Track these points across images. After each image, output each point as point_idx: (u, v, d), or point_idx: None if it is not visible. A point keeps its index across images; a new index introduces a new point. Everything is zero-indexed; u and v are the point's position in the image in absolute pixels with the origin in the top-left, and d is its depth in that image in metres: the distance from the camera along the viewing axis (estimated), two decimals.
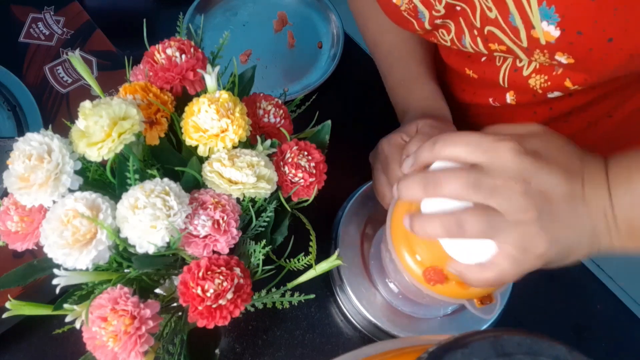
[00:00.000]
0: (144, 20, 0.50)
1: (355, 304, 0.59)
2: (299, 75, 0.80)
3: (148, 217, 0.38)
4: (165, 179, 0.41)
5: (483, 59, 0.59)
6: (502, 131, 0.41)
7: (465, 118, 0.71)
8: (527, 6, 0.43)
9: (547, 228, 0.37)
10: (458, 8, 0.51)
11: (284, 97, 0.55)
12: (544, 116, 0.62)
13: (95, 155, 0.40)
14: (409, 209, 0.47)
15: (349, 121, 0.76)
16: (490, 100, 0.63)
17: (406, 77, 0.63)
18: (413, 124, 0.56)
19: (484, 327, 0.60)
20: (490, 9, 0.47)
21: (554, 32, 0.42)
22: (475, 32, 0.51)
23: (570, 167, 0.38)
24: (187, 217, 0.41)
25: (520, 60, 0.53)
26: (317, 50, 0.83)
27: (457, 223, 0.38)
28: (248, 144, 0.47)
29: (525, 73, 0.54)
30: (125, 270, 0.44)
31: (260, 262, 0.45)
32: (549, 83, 0.52)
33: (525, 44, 0.46)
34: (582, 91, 0.54)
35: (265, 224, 0.46)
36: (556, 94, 0.53)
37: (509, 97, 0.60)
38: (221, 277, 0.40)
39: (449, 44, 0.56)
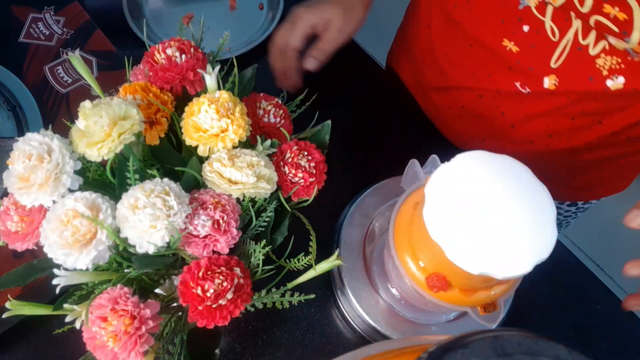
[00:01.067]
0: (144, 20, 0.50)
1: (356, 307, 0.59)
2: (241, 36, 0.82)
3: (148, 217, 0.38)
4: (165, 179, 0.41)
5: (526, 28, 0.56)
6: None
7: (469, 103, 0.69)
8: None
9: None
10: None
11: (284, 99, 0.55)
12: (574, 111, 0.60)
13: (95, 155, 0.40)
14: (412, 216, 0.47)
15: (349, 121, 0.76)
16: (518, 84, 0.60)
17: None
18: (326, 11, 0.64)
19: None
20: None
21: None
22: None
23: None
24: (187, 217, 0.41)
25: (585, 36, 0.51)
26: (259, 12, 0.84)
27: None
28: (248, 144, 0.47)
29: (592, 52, 0.52)
30: (125, 270, 0.44)
31: (260, 262, 0.45)
32: (623, 66, 0.50)
33: None
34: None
35: (265, 224, 0.46)
36: (620, 80, 0.52)
37: (548, 82, 0.57)
38: (221, 277, 0.40)
39: None
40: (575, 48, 0.53)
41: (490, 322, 0.48)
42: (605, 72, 0.53)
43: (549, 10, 0.53)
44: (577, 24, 0.52)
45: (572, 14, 0.52)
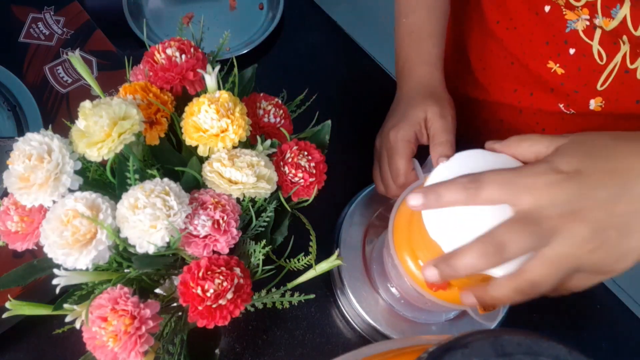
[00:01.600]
0: (144, 20, 0.50)
1: (356, 307, 0.59)
2: (241, 36, 0.81)
3: (148, 217, 0.38)
4: (165, 179, 0.41)
5: (572, 51, 0.55)
6: (529, 147, 0.39)
7: (504, 116, 0.68)
8: None
9: (616, 246, 0.34)
10: None
11: (284, 99, 0.55)
12: (616, 129, 0.57)
13: (95, 155, 0.40)
14: (411, 215, 0.47)
15: (349, 121, 0.76)
16: (562, 106, 0.60)
17: (418, 31, 0.61)
18: (421, 110, 0.54)
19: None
20: None
21: None
22: None
23: (619, 168, 0.35)
24: (187, 217, 0.41)
25: (633, 61, 0.51)
26: (259, 12, 0.84)
27: (497, 246, 0.35)
28: (248, 144, 0.47)
29: None
30: (125, 270, 0.44)
31: (260, 262, 0.45)
32: None
33: None
34: None
35: (265, 224, 0.46)
36: None
37: (594, 104, 0.57)
38: (221, 277, 0.40)
39: (581, 3, 0.51)
40: (622, 71, 0.53)
41: (490, 321, 0.48)
42: None
43: (597, 34, 0.52)
44: (625, 48, 0.52)
45: (625, 37, 0.51)
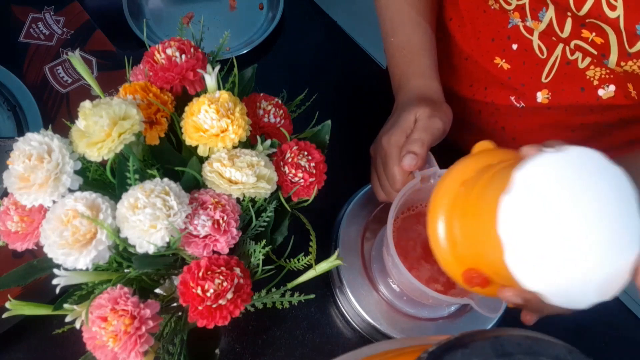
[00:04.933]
0: (144, 20, 0.50)
1: (355, 307, 0.59)
2: (241, 36, 0.82)
3: (148, 217, 0.38)
4: (165, 179, 0.41)
5: (515, 46, 0.57)
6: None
7: (469, 117, 0.70)
8: None
9: None
10: None
11: (284, 99, 0.55)
12: (573, 123, 0.60)
13: (95, 155, 0.40)
14: (460, 193, 0.38)
15: (349, 121, 0.76)
16: (513, 98, 0.62)
17: (408, 46, 0.61)
18: (411, 113, 0.54)
19: (489, 326, 0.60)
20: (614, 8, 0.44)
21: None
22: (569, 14, 0.49)
23: None
24: (187, 217, 0.41)
25: (573, 53, 0.52)
26: (259, 12, 0.84)
27: None
28: (248, 144, 0.47)
29: (581, 65, 0.52)
30: (125, 270, 0.44)
31: (260, 262, 0.45)
32: (612, 76, 0.51)
33: (632, 50, 0.45)
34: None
35: (265, 224, 0.46)
36: (611, 88, 0.53)
37: (541, 96, 0.58)
38: (221, 277, 0.40)
39: (512, 7, 0.53)
40: (564, 63, 0.55)
41: (493, 313, 0.47)
42: (595, 82, 0.54)
43: (535, 31, 0.55)
44: (562, 43, 0.54)
45: (553, 38, 0.53)
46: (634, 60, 0.47)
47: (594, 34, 0.49)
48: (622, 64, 0.48)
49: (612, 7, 0.45)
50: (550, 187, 0.32)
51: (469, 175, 0.39)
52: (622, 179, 0.33)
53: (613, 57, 0.49)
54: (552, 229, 0.31)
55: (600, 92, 0.54)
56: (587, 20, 0.48)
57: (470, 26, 0.63)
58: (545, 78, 0.56)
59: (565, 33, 0.51)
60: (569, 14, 0.49)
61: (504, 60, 0.59)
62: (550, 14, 0.51)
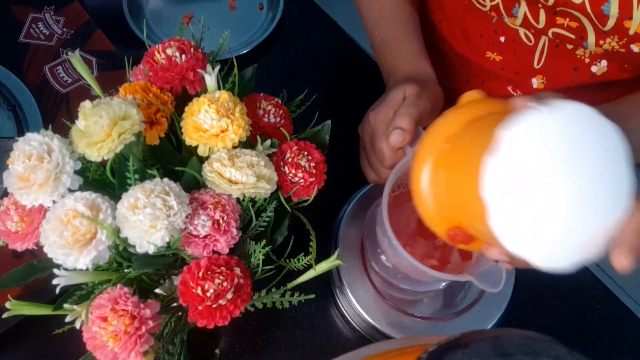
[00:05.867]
0: (144, 20, 0.50)
1: (355, 306, 0.59)
2: (241, 36, 0.82)
3: (148, 217, 0.38)
4: (165, 179, 0.41)
5: (502, 38, 0.58)
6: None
7: None
8: (637, 1, 0.43)
9: None
10: None
11: (284, 99, 0.55)
12: (569, 94, 0.61)
13: (95, 155, 0.40)
14: (445, 148, 0.37)
15: (349, 121, 0.76)
16: (510, 88, 0.62)
17: (392, 37, 0.61)
18: (400, 90, 0.52)
19: (489, 326, 0.60)
20: None
21: None
22: (540, 5, 0.50)
23: None
24: (187, 217, 0.41)
25: (554, 41, 0.53)
26: (259, 12, 0.84)
27: None
28: (248, 144, 0.47)
29: (570, 46, 0.53)
30: (125, 270, 0.44)
31: (260, 262, 0.45)
32: (602, 51, 0.51)
33: (606, 29, 0.46)
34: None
35: (265, 224, 0.46)
36: (604, 63, 0.53)
37: (536, 82, 0.59)
38: (221, 277, 0.40)
39: (487, 8, 0.54)
40: (552, 47, 0.55)
41: (494, 287, 0.43)
42: (587, 60, 0.54)
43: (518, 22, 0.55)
44: (542, 35, 0.54)
45: (532, 31, 0.54)
46: (611, 37, 0.47)
47: (567, 19, 0.49)
48: (602, 42, 0.49)
49: None
50: (536, 151, 0.30)
51: (454, 129, 0.37)
52: (613, 138, 0.32)
53: (591, 38, 0.49)
54: (536, 195, 0.30)
55: (594, 68, 0.54)
56: (557, 9, 0.49)
57: (458, 26, 0.64)
58: (537, 64, 0.57)
59: (542, 24, 0.52)
60: (539, 5, 0.50)
61: (495, 54, 0.60)
62: (523, 9, 0.52)
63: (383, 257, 0.59)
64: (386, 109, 0.51)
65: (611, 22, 0.45)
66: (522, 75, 0.60)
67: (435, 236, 0.42)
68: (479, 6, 0.56)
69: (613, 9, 0.44)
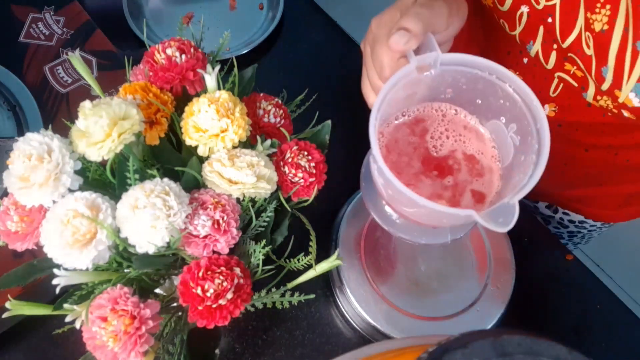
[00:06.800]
0: (144, 20, 0.50)
1: (355, 306, 0.59)
2: (241, 36, 0.82)
3: (148, 217, 0.38)
4: (165, 179, 0.41)
5: (525, 60, 0.57)
6: None
7: None
8: (627, 75, 0.43)
9: None
10: (549, 20, 0.48)
11: (284, 99, 0.55)
12: (585, 142, 0.61)
13: (95, 155, 0.40)
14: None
15: (349, 121, 0.76)
16: None
17: None
18: None
19: (489, 326, 0.60)
20: (588, 46, 0.46)
21: (636, 103, 0.44)
22: (555, 46, 0.50)
23: None
24: (187, 217, 0.41)
25: (558, 86, 0.54)
26: (259, 12, 0.84)
27: None
28: (248, 144, 0.47)
29: None
30: (125, 270, 0.44)
31: (260, 262, 0.45)
32: (599, 105, 0.52)
33: (603, 89, 0.47)
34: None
35: (265, 224, 0.46)
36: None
37: (548, 109, 0.59)
38: (221, 277, 0.40)
39: (506, 28, 0.53)
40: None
41: (503, 227, 0.36)
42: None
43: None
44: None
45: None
46: (605, 98, 0.48)
47: (575, 67, 0.50)
48: (598, 97, 0.49)
49: (588, 45, 0.46)
50: None
51: None
52: None
53: (591, 91, 0.50)
54: None
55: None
56: (568, 55, 0.49)
57: (489, 42, 0.63)
58: (553, 92, 0.56)
59: (550, 65, 0.52)
60: (554, 46, 0.50)
61: (517, 73, 0.59)
62: (536, 47, 0.52)
63: (383, 203, 0.50)
64: (392, 11, 0.43)
65: (606, 86, 0.46)
66: (539, 99, 0.60)
67: (444, 174, 0.38)
68: (508, 30, 0.54)
69: (609, 75, 0.45)
